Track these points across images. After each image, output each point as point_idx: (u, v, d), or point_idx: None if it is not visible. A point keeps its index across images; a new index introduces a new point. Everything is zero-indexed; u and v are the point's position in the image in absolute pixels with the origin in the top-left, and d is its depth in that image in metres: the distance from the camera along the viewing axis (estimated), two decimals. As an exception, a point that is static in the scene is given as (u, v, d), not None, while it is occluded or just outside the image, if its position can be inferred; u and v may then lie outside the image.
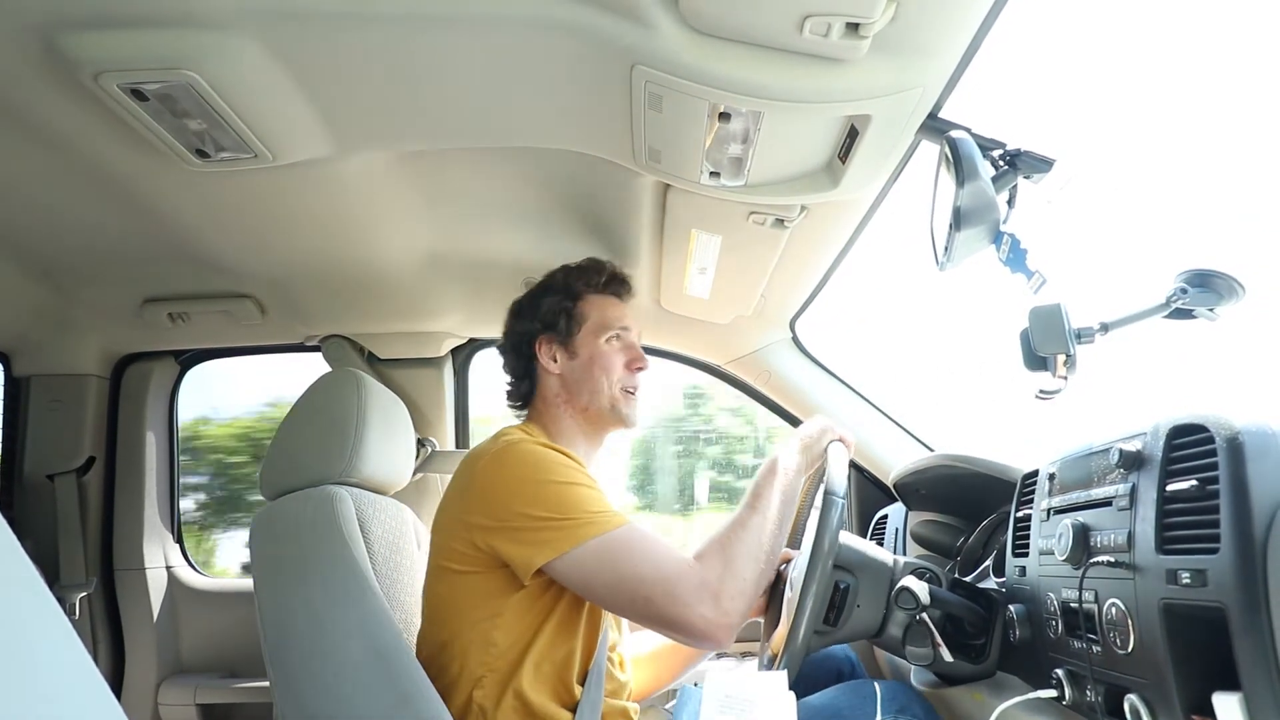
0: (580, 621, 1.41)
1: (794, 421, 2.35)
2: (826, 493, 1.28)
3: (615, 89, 1.20)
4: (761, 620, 1.60)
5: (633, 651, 1.74)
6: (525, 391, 1.64)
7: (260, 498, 1.57)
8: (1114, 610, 1.00)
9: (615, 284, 1.68)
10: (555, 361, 1.60)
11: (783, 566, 1.59)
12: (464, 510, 1.37)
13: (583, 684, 1.40)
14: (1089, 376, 1.15)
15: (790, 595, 1.40)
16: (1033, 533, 1.28)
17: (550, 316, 1.61)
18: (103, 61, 1.12)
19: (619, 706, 1.46)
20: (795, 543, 1.65)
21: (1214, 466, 0.88)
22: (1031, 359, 1.16)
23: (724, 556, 1.30)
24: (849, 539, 1.38)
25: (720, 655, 2.33)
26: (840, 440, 1.43)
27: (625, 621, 1.61)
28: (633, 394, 1.61)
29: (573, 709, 1.38)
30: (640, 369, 1.62)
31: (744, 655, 2.34)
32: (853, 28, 0.98)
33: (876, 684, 1.43)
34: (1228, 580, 0.82)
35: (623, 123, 1.28)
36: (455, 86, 1.26)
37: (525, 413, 1.66)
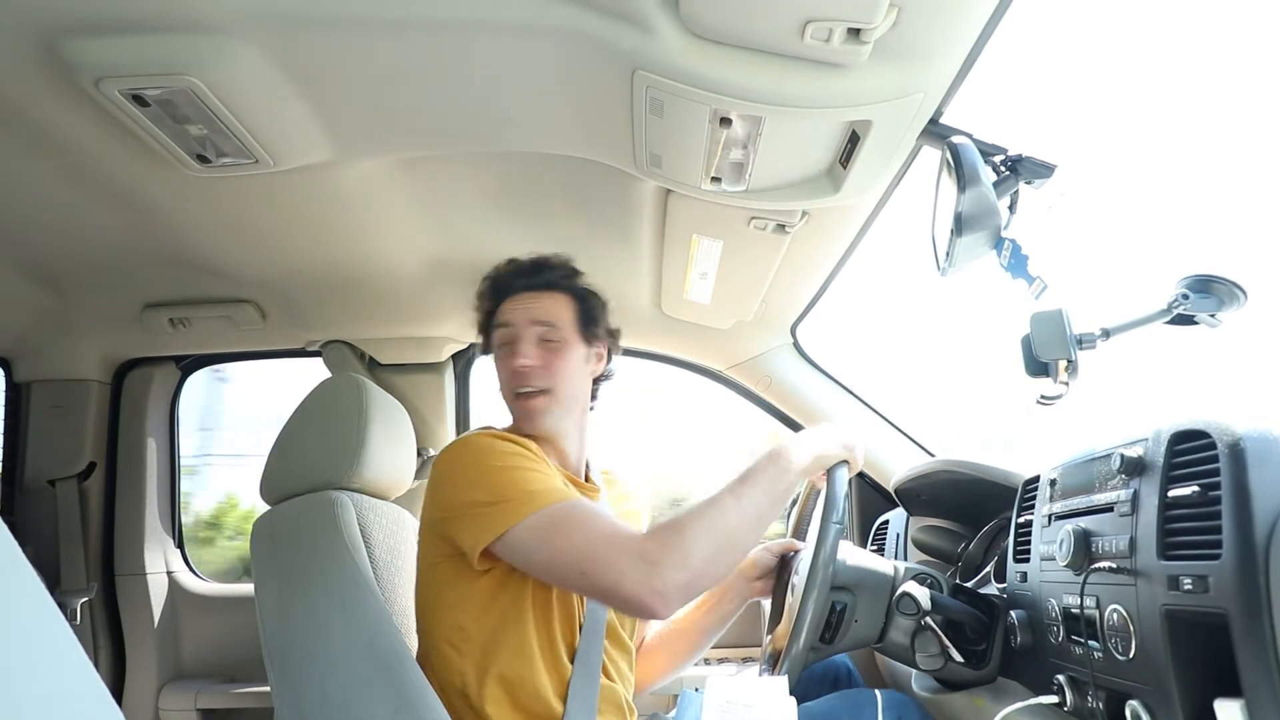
0: (552, 603, 1.40)
1: (795, 427, 2.34)
2: (825, 515, 1.29)
3: (616, 94, 1.20)
4: (763, 616, 1.60)
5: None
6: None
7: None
8: (1115, 616, 1.00)
9: (517, 278, 1.54)
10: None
11: (790, 556, 1.59)
12: (427, 505, 1.40)
13: (568, 678, 1.38)
14: (1090, 382, 1.15)
15: (792, 601, 1.41)
16: (1034, 538, 1.28)
17: (483, 329, 1.57)
18: (104, 67, 1.13)
19: (617, 693, 1.45)
20: (801, 535, 1.65)
21: (1216, 472, 0.88)
22: (1033, 364, 1.16)
23: (676, 528, 1.26)
24: (848, 554, 1.38)
25: (722, 661, 2.33)
26: (846, 462, 1.39)
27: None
28: (527, 396, 1.46)
29: (563, 694, 1.37)
30: (522, 369, 1.46)
31: (744, 660, 2.33)
32: (854, 33, 0.98)
33: (877, 692, 1.43)
34: (1229, 586, 0.82)
35: (624, 128, 1.29)
36: (456, 92, 1.26)
37: None
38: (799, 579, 1.40)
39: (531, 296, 1.51)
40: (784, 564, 1.62)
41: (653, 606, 1.23)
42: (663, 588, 1.22)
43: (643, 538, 1.26)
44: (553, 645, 1.39)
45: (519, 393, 1.47)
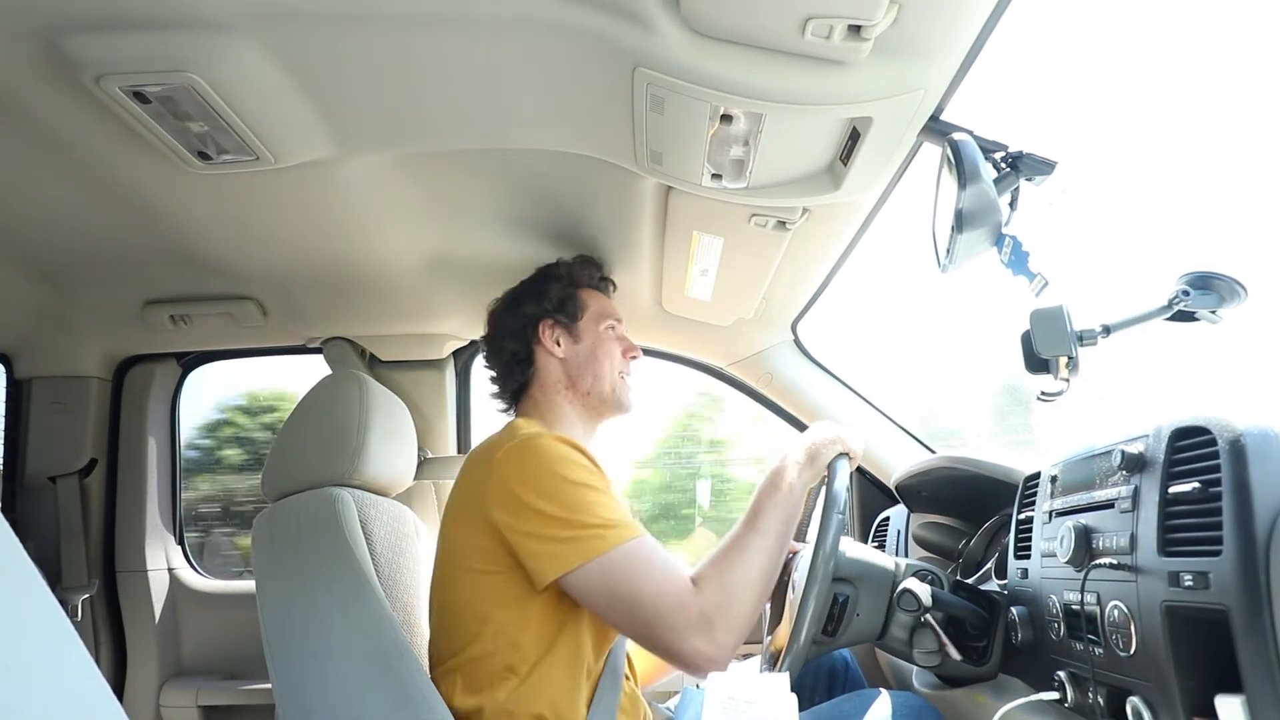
0: (599, 624, 1.40)
1: (795, 424, 2.35)
2: (826, 505, 1.29)
3: (617, 91, 1.20)
4: (764, 615, 1.60)
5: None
6: (521, 380, 1.65)
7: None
8: (1116, 612, 1.00)
9: (606, 282, 1.81)
10: (559, 345, 1.63)
11: (790, 557, 1.59)
12: (486, 506, 1.35)
13: (596, 686, 1.40)
14: (1091, 378, 1.15)
15: (793, 597, 1.41)
16: (1035, 535, 1.28)
17: (558, 301, 1.66)
18: (105, 64, 1.13)
19: (632, 691, 1.47)
20: (801, 535, 1.65)
21: (1216, 469, 0.88)
22: (1033, 361, 1.16)
23: (722, 583, 1.29)
24: (849, 547, 1.37)
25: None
26: (847, 454, 1.40)
27: None
28: (627, 380, 1.68)
29: (590, 699, 1.38)
30: (635, 357, 1.70)
31: (744, 656, 2.34)
32: (854, 30, 0.98)
33: (886, 693, 1.42)
34: (1230, 582, 0.82)
35: (624, 125, 1.28)
36: (457, 89, 1.26)
37: (514, 409, 1.67)
38: (800, 575, 1.40)
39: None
40: (784, 566, 1.63)
41: (710, 670, 1.25)
42: (721, 655, 1.26)
43: (698, 595, 1.28)
44: (597, 657, 1.41)
45: (628, 376, 1.69)
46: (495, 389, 1.71)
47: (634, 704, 1.47)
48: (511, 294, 1.72)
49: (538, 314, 1.65)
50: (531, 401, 1.64)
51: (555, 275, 1.70)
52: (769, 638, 1.55)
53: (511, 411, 1.69)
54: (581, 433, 1.62)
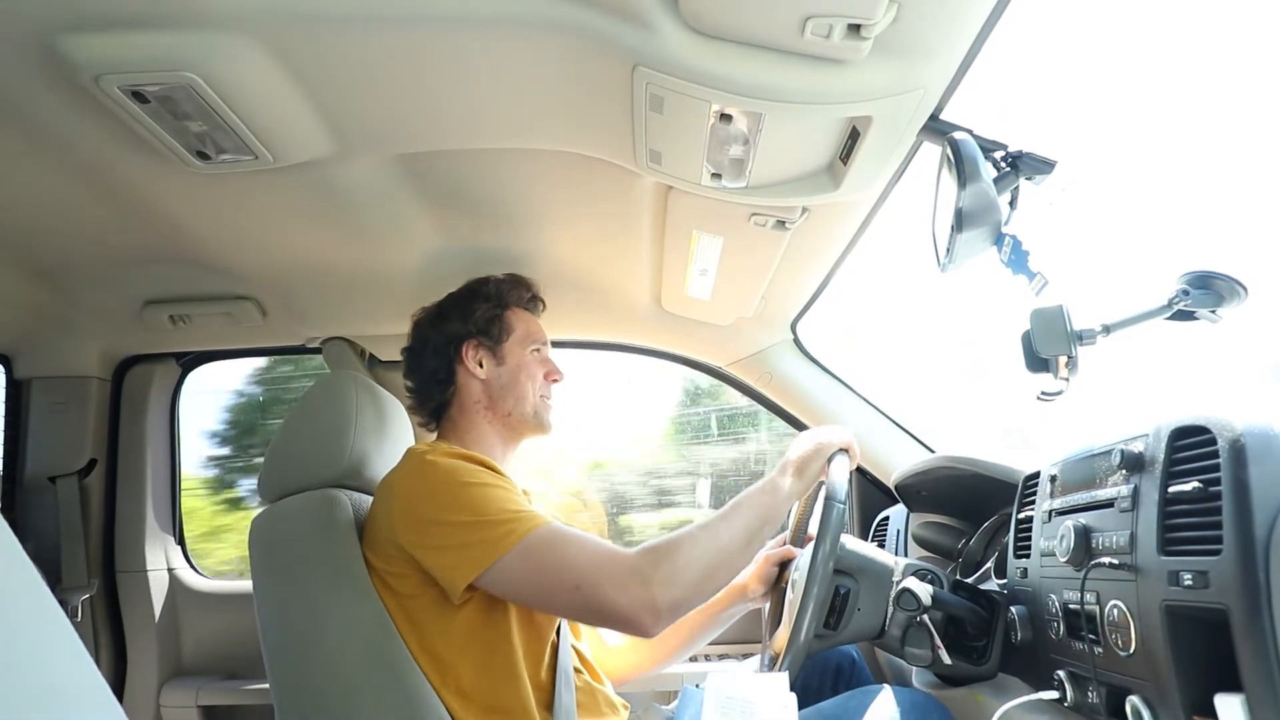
0: (532, 624, 1.41)
1: (795, 423, 2.35)
2: (827, 497, 1.28)
3: (616, 91, 1.20)
4: (763, 620, 1.60)
5: (612, 640, 1.76)
6: (440, 399, 1.64)
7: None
8: (1116, 612, 1.00)
9: (536, 301, 1.79)
10: (481, 367, 1.63)
11: (787, 567, 1.59)
12: (394, 531, 1.35)
13: (551, 690, 1.40)
14: (1091, 378, 1.15)
15: (793, 597, 1.41)
16: (1034, 534, 1.28)
17: (483, 322, 1.65)
18: (103, 64, 1.12)
19: (603, 693, 1.47)
20: (799, 541, 1.65)
21: (1216, 468, 0.88)
22: (1033, 361, 1.16)
23: (668, 546, 1.28)
24: (850, 542, 1.37)
25: (722, 658, 2.34)
26: (845, 450, 1.39)
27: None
28: (549, 402, 1.67)
29: (548, 702, 1.38)
30: (557, 380, 1.70)
31: (744, 657, 2.34)
32: (854, 29, 0.98)
33: (890, 689, 1.42)
34: (1230, 582, 0.82)
35: (624, 124, 1.28)
36: (456, 88, 1.26)
37: (434, 425, 1.67)
38: (799, 575, 1.40)
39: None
40: (781, 568, 1.63)
41: (645, 623, 1.25)
42: (656, 604, 1.24)
43: (635, 555, 1.28)
44: (537, 662, 1.40)
45: (549, 398, 1.68)
46: (411, 401, 1.69)
47: (591, 697, 1.48)
48: (438, 309, 1.70)
49: (462, 333, 1.63)
50: (450, 421, 1.63)
51: (484, 294, 1.69)
52: (769, 640, 1.55)
53: (431, 427, 1.68)
54: (500, 453, 1.62)
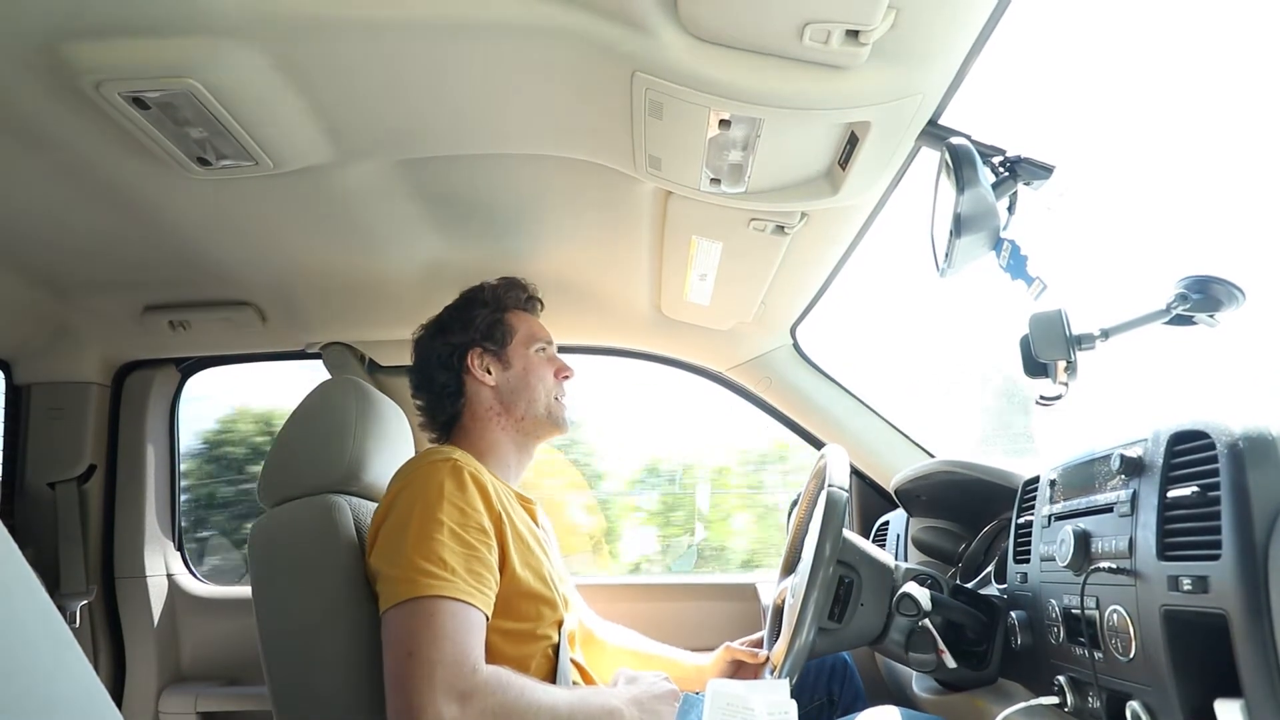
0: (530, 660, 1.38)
1: (795, 428, 2.35)
2: (828, 487, 1.28)
3: (616, 96, 1.20)
4: (764, 636, 1.59)
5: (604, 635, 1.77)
6: (452, 411, 1.62)
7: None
8: (1115, 617, 1.00)
9: (534, 302, 1.77)
10: (489, 373, 1.62)
11: (783, 583, 1.58)
12: (376, 517, 1.37)
13: None
14: (1089, 383, 1.15)
15: (792, 603, 1.40)
16: (1034, 539, 1.28)
17: (485, 328, 1.63)
18: (104, 70, 1.13)
19: None
20: (793, 565, 1.65)
21: (1215, 473, 0.88)
22: (1032, 365, 1.16)
23: (506, 702, 1.22)
24: (852, 537, 1.37)
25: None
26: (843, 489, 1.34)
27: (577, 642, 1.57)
28: (563, 400, 1.66)
29: None
30: (568, 377, 1.68)
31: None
32: (852, 35, 0.98)
33: (898, 711, 1.40)
34: (1229, 587, 0.82)
35: (623, 130, 1.29)
36: (456, 94, 1.26)
37: (445, 439, 1.65)
38: (799, 580, 1.39)
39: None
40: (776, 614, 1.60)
41: None
42: None
43: (478, 680, 1.21)
44: (536, 672, 1.38)
45: (562, 397, 1.66)
46: (423, 419, 1.67)
47: None
48: (436, 322, 1.69)
49: (465, 343, 1.62)
50: (463, 430, 1.62)
51: (481, 301, 1.67)
52: (769, 651, 1.55)
53: (443, 441, 1.65)
54: (515, 459, 1.62)
